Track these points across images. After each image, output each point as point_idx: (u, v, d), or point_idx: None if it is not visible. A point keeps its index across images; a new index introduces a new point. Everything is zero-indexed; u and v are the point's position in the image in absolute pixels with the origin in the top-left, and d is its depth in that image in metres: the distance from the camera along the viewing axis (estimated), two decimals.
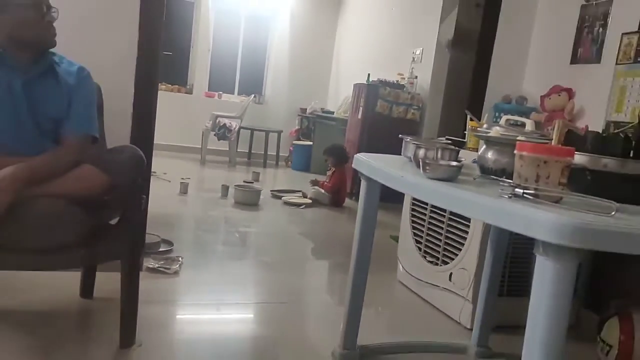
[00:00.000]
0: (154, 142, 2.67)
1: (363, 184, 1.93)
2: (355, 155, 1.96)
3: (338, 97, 7.58)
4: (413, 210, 2.95)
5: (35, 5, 1.79)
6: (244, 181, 5.48)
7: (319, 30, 8.08)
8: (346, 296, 2.01)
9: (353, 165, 1.97)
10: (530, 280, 1.12)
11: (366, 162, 1.86)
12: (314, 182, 5.22)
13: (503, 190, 1.24)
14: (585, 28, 3.16)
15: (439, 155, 1.63)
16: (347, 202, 5.20)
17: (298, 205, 4.84)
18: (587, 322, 2.58)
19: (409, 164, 1.80)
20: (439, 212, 2.73)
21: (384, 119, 5.28)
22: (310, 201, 4.97)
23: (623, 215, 1.11)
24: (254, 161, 7.58)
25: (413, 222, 2.95)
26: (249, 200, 4.62)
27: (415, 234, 2.92)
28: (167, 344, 2.05)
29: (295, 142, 7.53)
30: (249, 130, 7.59)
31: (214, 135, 6.92)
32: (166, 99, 6.68)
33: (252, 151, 7.77)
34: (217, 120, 6.92)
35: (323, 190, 5.05)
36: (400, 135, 2.00)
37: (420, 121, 5.39)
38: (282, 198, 4.98)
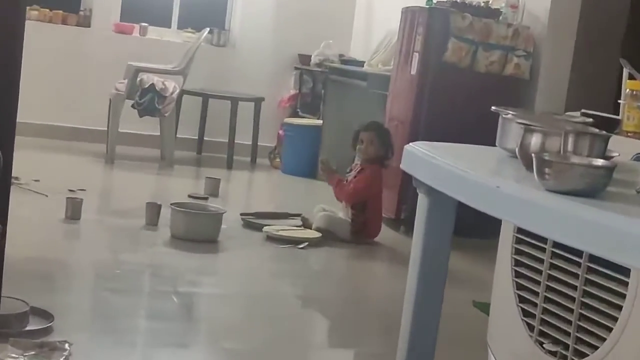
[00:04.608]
0: (17, 120, 2.68)
1: (422, 200, 1.93)
2: (405, 147, 1.96)
3: (371, 37, 7.61)
4: (518, 252, 2.95)
5: None
6: (190, 195, 5.49)
7: None
8: None
9: (402, 165, 1.97)
10: None
11: (428, 160, 1.86)
12: (328, 169, 5.28)
13: None
14: None
15: (570, 146, 1.63)
16: (389, 234, 5.21)
17: (295, 242, 4.84)
18: None
19: (510, 163, 1.81)
20: (568, 256, 2.72)
21: (461, 76, 5.31)
22: (318, 235, 4.97)
23: None
24: (208, 157, 7.61)
25: (518, 275, 2.94)
26: (199, 232, 4.63)
27: (521, 299, 2.91)
28: None
29: (288, 120, 7.55)
30: (200, 97, 7.63)
31: (133, 107, 6.95)
32: (41, 37, 6.74)
33: (206, 137, 7.79)
34: (139, 79, 6.95)
35: (347, 208, 5.06)
36: (493, 108, 2.01)
37: (531, 80, 5.40)
38: (264, 229, 4.98)
